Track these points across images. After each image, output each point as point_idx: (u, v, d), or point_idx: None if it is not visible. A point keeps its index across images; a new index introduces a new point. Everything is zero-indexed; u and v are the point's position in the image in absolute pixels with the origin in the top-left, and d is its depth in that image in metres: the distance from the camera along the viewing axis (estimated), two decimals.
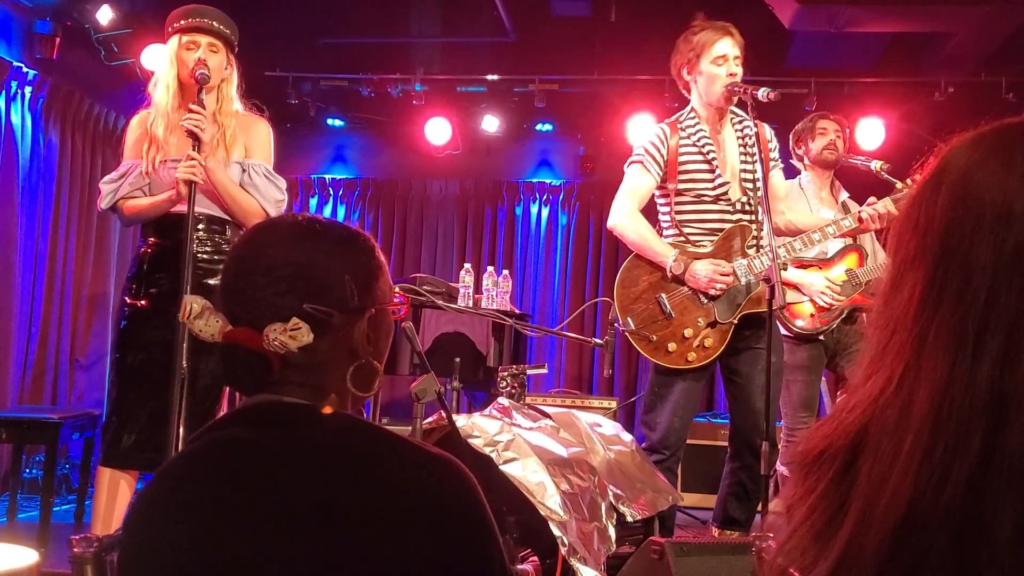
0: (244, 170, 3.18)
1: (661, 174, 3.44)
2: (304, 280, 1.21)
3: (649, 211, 3.53)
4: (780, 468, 4.13)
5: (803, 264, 4.02)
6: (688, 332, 3.36)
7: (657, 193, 3.51)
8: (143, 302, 3.10)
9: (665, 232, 3.50)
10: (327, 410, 1.21)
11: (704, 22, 3.43)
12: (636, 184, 3.47)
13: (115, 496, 3.07)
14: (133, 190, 3.15)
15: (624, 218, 3.44)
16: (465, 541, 1.14)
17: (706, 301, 3.37)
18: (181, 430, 2.88)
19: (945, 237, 0.77)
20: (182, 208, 3.05)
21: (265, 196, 3.20)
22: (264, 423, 1.21)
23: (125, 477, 3.10)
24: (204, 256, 3.10)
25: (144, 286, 3.11)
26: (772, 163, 3.51)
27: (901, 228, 0.82)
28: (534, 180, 7.24)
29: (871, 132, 6.03)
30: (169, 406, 2.90)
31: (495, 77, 6.44)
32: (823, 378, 4.36)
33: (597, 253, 7.05)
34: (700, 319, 3.37)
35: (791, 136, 4.32)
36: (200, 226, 3.12)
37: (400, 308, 1.36)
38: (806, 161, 4.27)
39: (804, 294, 3.95)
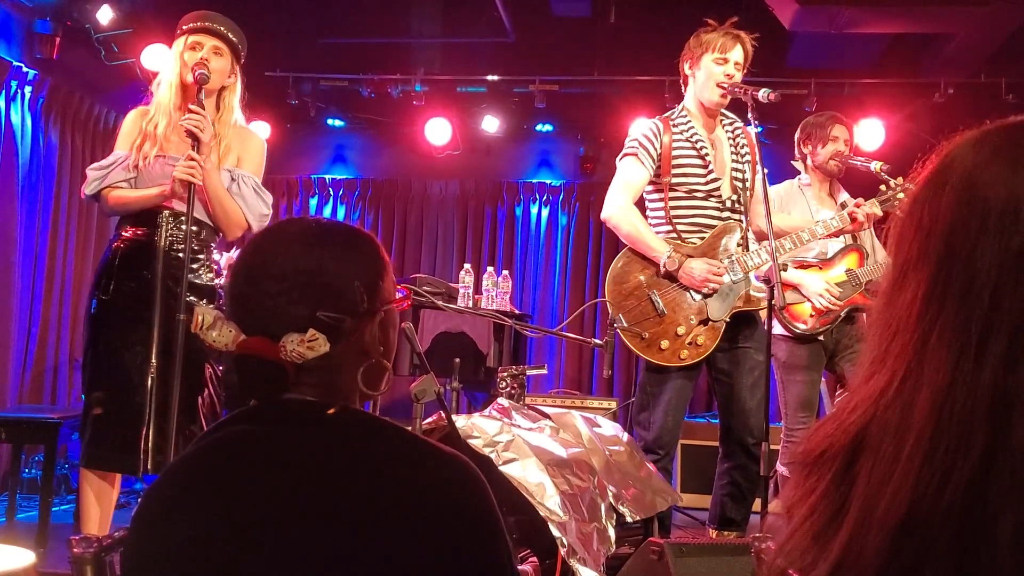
0: (234, 179, 3.17)
1: (655, 167, 3.45)
2: (316, 288, 1.21)
3: (640, 207, 3.54)
4: (780, 468, 4.12)
5: (803, 264, 4.01)
6: (681, 330, 3.36)
7: (649, 188, 3.52)
8: (115, 298, 3.06)
9: (656, 227, 3.50)
10: (331, 411, 1.21)
11: (719, 25, 3.44)
12: (630, 177, 3.47)
13: (102, 495, 3.07)
14: (119, 180, 3.13)
15: (618, 210, 3.45)
16: (475, 541, 1.14)
17: (697, 299, 3.38)
18: (152, 431, 2.89)
19: (949, 237, 0.76)
20: (164, 205, 3.06)
21: (251, 208, 3.18)
22: (272, 420, 1.21)
23: (108, 475, 3.08)
24: (179, 254, 3.07)
25: (116, 282, 3.08)
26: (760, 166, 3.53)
27: (903, 227, 0.81)
28: (534, 180, 7.24)
29: (871, 133, 6.01)
30: (140, 405, 2.92)
31: (495, 78, 6.44)
32: (823, 378, 4.35)
33: (597, 253, 7.04)
34: (692, 316, 3.38)
35: (799, 130, 4.22)
36: (182, 224, 3.09)
37: (403, 303, 1.37)
38: (809, 162, 4.20)
39: (803, 295, 3.95)
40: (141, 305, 2.99)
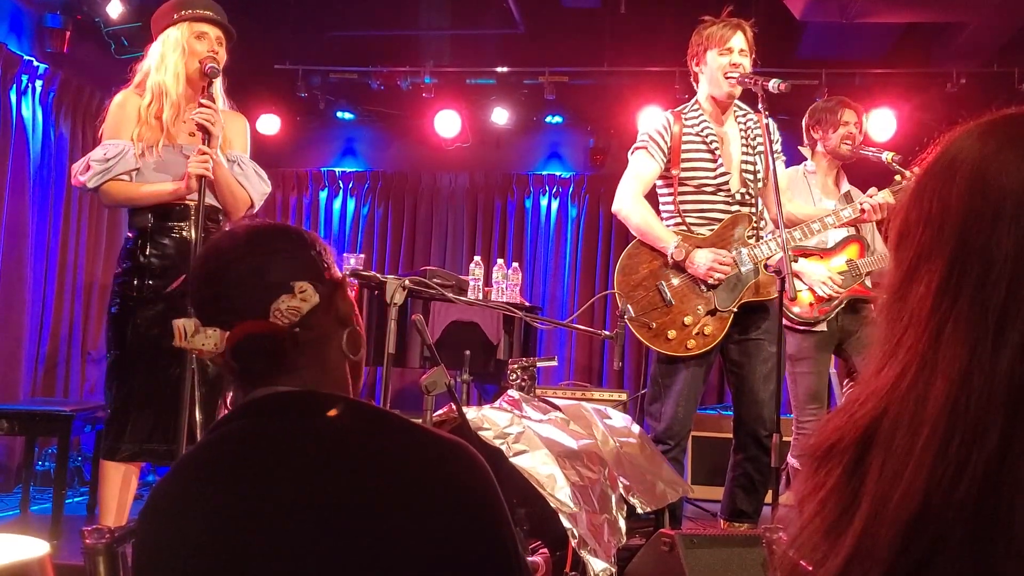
0: (232, 161, 3.20)
1: (665, 160, 3.48)
2: (281, 259, 1.26)
3: (651, 199, 3.55)
4: (791, 460, 4.12)
5: (804, 253, 4.00)
6: (688, 320, 3.38)
7: (660, 182, 3.55)
8: (137, 292, 3.08)
9: (666, 220, 3.53)
10: (331, 413, 1.22)
11: (717, 18, 3.46)
12: (641, 170, 3.50)
13: (123, 487, 3.08)
14: (122, 173, 3.11)
15: (629, 203, 3.48)
16: (478, 526, 1.15)
17: (706, 289, 3.40)
18: (185, 424, 2.89)
19: (963, 229, 0.76)
20: (185, 199, 3.08)
21: (255, 188, 3.26)
22: (277, 413, 1.22)
23: (129, 468, 3.10)
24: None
25: (138, 275, 3.09)
26: (775, 155, 3.52)
27: (910, 220, 0.81)
28: (544, 172, 7.23)
29: (882, 123, 5.99)
30: (169, 396, 2.92)
31: (505, 69, 6.43)
32: (834, 368, 4.33)
33: (607, 245, 7.03)
34: (700, 307, 3.40)
35: (808, 116, 4.19)
36: (210, 216, 3.12)
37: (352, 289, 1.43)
38: (819, 148, 4.15)
39: (804, 283, 3.94)
40: (167, 296, 3.01)
